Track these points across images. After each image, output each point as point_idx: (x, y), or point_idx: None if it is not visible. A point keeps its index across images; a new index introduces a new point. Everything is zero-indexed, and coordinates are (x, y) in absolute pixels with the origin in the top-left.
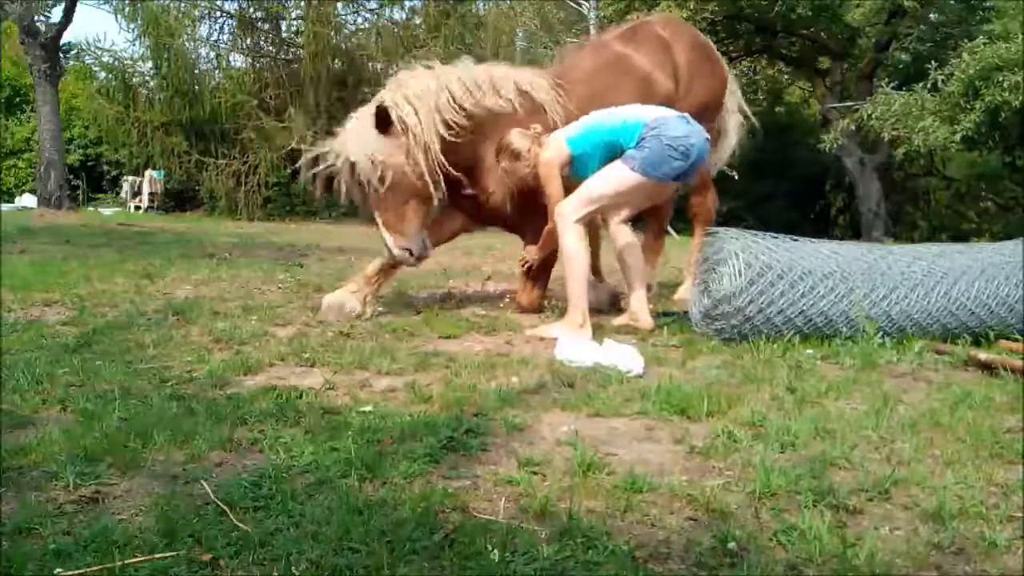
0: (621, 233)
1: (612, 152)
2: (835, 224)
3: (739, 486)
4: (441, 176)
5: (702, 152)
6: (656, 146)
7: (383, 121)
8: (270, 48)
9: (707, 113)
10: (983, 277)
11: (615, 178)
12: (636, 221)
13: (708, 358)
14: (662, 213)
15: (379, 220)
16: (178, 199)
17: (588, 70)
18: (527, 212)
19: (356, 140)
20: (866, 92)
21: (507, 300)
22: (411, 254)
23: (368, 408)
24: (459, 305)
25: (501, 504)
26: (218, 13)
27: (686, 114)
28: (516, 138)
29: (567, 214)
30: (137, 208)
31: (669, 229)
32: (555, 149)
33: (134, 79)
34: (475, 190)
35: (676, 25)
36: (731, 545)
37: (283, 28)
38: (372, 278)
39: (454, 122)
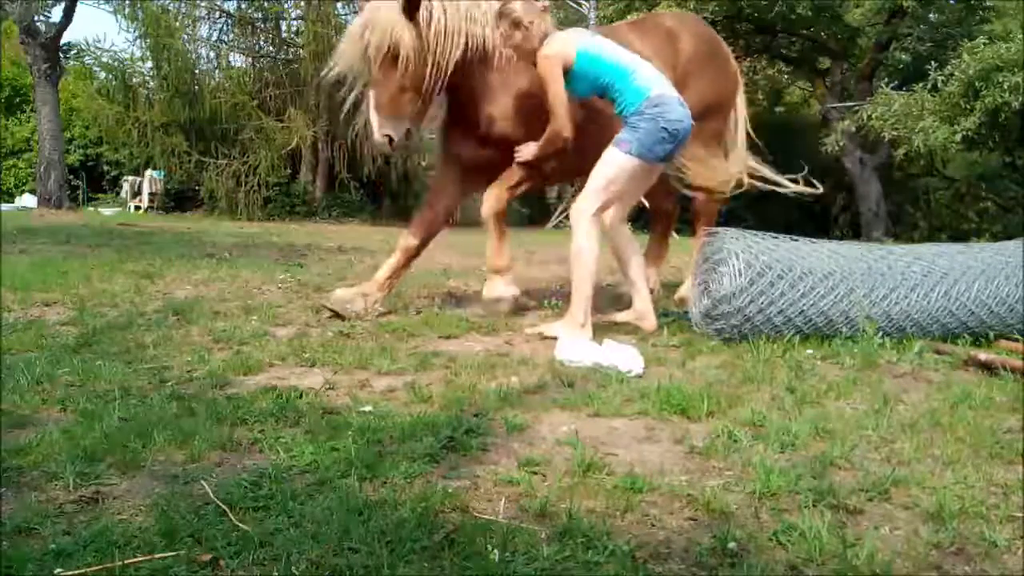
0: (620, 233)
1: (602, 92)
2: (835, 224)
3: (739, 486)
4: (445, 78)
5: (687, 136)
6: (652, 128)
7: (412, 6)
8: (270, 48)
9: (711, 112)
10: (983, 277)
11: (616, 163)
12: (635, 221)
13: (708, 358)
14: (669, 214)
15: (372, 98)
16: (178, 199)
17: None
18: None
19: (384, 11)
20: (866, 92)
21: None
22: (391, 141)
23: (368, 408)
24: (459, 305)
25: (501, 504)
26: (218, 13)
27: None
28: (520, 6)
29: (585, 209)
30: (137, 208)
31: None
32: (560, 49)
33: (134, 79)
34: (477, 119)
35: (686, 19)
36: (731, 545)
37: (283, 28)
38: (383, 283)
39: (476, 35)
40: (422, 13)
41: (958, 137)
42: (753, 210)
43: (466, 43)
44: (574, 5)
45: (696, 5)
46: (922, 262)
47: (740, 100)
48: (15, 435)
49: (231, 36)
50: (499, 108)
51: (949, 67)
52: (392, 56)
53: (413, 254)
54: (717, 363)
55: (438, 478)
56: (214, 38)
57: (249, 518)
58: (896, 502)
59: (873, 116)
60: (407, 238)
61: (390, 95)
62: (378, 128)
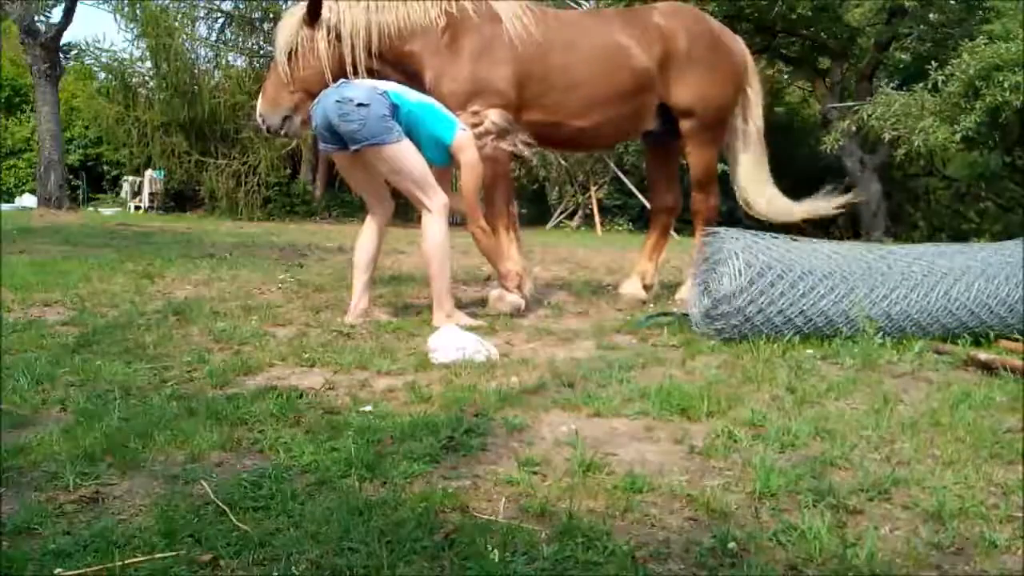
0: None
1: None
2: (835, 224)
3: (739, 486)
4: (359, 70)
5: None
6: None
7: (312, 15)
8: (269, 47)
9: (713, 106)
10: (983, 277)
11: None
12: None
13: (708, 358)
14: (671, 210)
15: (265, 86)
16: (178, 199)
17: (570, 16)
18: None
19: (292, 16)
20: (866, 92)
21: (501, 305)
22: (263, 123)
23: (368, 408)
24: (459, 305)
25: (501, 504)
26: (217, 13)
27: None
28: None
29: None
30: (137, 208)
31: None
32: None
33: (133, 79)
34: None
35: (682, 14)
36: (731, 545)
37: None
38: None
39: (388, 23)
40: (325, 16)
41: (958, 137)
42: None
43: (378, 33)
44: (574, 5)
45: (696, 5)
46: (922, 262)
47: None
48: (15, 435)
49: (230, 36)
50: (450, 74)
51: (949, 67)
52: (291, 54)
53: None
54: (717, 363)
55: (438, 478)
56: (213, 38)
57: (249, 518)
58: (896, 502)
59: (873, 116)
60: None
61: (274, 88)
62: (257, 112)
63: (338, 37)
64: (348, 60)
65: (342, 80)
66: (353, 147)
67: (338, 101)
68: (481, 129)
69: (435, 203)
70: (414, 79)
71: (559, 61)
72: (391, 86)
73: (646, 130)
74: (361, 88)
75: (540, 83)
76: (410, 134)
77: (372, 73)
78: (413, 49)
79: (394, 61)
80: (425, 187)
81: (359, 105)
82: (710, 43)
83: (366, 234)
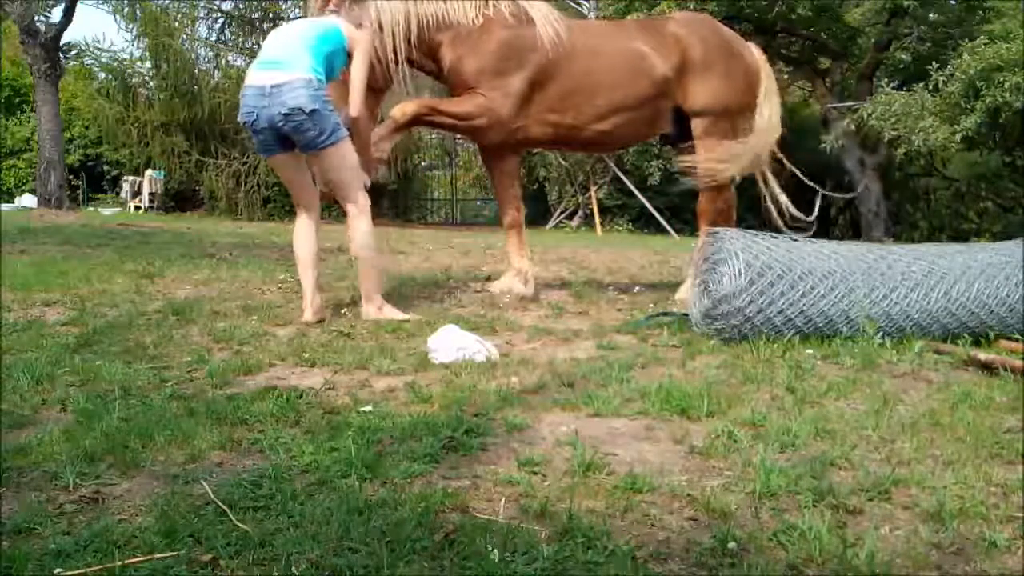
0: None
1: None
2: (835, 224)
3: (739, 486)
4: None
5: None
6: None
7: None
8: None
9: (729, 110)
10: (983, 277)
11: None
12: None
13: (708, 358)
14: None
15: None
16: (178, 199)
17: (593, 25)
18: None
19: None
20: (866, 92)
21: (507, 300)
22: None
23: (368, 408)
24: (459, 305)
25: (501, 504)
26: (217, 13)
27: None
28: None
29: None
30: (137, 208)
31: (669, 229)
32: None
33: (133, 79)
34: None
35: (697, 23)
36: (731, 545)
37: None
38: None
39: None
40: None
41: (958, 137)
42: (754, 210)
43: (417, 24)
44: (574, 5)
45: (696, 5)
46: (922, 262)
47: (766, 90)
48: (15, 435)
49: (230, 36)
50: (475, 64)
51: (950, 67)
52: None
53: None
54: (717, 363)
55: (438, 478)
56: (213, 38)
57: (249, 518)
58: (896, 502)
59: (873, 116)
60: None
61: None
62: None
63: (380, 28)
64: (389, 48)
65: (257, 82)
66: (310, 151)
67: (285, 114)
68: (335, 2)
69: (361, 200)
70: (439, 65)
71: (583, 66)
72: (298, 45)
73: (663, 132)
74: (298, 88)
75: (564, 86)
76: (331, 66)
77: (411, 63)
78: (443, 39)
79: (427, 51)
80: (357, 183)
81: (311, 112)
82: (724, 51)
83: (303, 231)
